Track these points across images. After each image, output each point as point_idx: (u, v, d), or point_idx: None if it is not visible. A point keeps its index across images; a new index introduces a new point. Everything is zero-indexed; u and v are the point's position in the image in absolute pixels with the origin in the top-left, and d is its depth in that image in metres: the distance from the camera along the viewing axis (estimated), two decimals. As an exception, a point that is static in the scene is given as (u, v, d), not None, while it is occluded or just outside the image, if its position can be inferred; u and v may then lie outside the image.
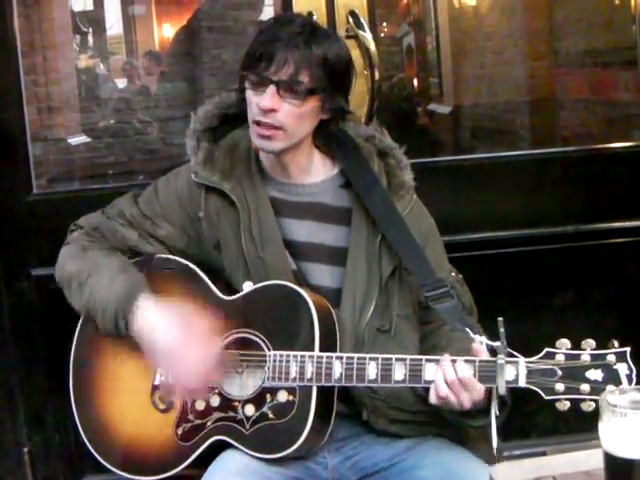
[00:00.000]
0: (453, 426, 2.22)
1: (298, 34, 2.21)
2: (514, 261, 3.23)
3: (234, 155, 2.37)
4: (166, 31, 5.55)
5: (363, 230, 2.29)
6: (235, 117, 2.39)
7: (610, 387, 1.91)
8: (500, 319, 1.98)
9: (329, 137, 2.36)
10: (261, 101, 2.17)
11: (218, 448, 2.23)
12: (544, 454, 2.90)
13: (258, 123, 2.20)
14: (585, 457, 1.65)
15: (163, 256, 2.39)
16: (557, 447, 3.14)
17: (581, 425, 2.90)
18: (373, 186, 2.31)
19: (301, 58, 2.17)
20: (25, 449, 3.27)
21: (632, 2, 3.41)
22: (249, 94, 2.21)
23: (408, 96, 5.17)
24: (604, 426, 1.42)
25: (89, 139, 4.78)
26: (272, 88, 2.16)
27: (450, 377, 2.02)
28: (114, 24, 5.42)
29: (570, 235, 3.27)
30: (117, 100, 5.18)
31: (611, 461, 1.43)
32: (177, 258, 2.38)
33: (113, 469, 2.35)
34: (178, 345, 2.20)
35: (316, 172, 2.36)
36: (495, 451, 2.05)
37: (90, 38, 5.39)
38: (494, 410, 2.04)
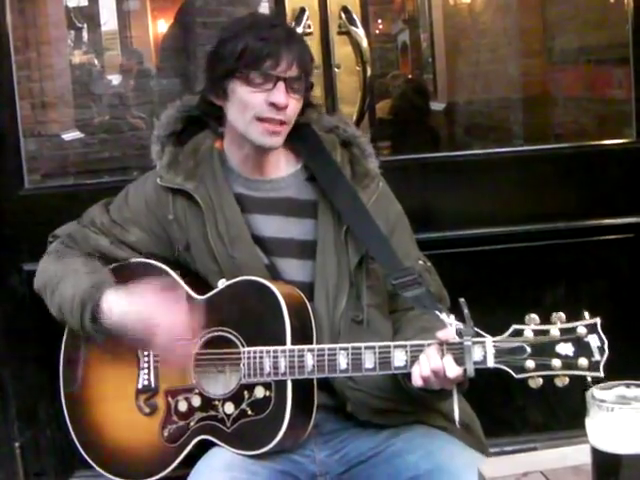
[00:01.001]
0: (435, 412, 2.25)
1: (292, 32, 2.30)
2: (505, 257, 3.23)
3: (197, 156, 2.39)
4: (161, 27, 5.53)
5: (329, 222, 2.30)
6: (199, 119, 2.42)
7: (582, 360, 1.90)
8: (462, 300, 1.97)
9: (291, 132, 2.36)
10: (272, 98, 2.19)
11: (206, 448, 2.24)
12: (535, 450, 2.90)
13: (267, 120, 2.22)
14: (573, 452, 1.65)
15: (137, 260, 2.41)
16: (548, 443, 3.15)
17: (572, 421, 2.91)
18: (336, 178, 2.33)
19: (302, 56, 2.24)
20: (16, 444, 3.27)
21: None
22: (247, 93, 2.21)
23: (403, 93, 5.18)
24: (591, 421, 1.42)
25: (82, 135, 4.78)
26: (282, 85, 2.20)
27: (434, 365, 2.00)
28: (108, 20, 5.39)
29: (561, 232, 3.27)
30: (111, 96, 5.17)
31: (598, 456, 1.43)
32: (151, 261, 2.40)
33: (107, 474, 2.38)
34: (151, 311, 2.20)
35: (282, 167, 2.38)
36: (457, 424, 2.04)
37: (84, 34, 5.37)
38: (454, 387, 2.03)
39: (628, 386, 1.46)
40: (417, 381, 2.03)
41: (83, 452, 2.41)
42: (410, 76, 5.58)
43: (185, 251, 2.36)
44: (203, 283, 2.33)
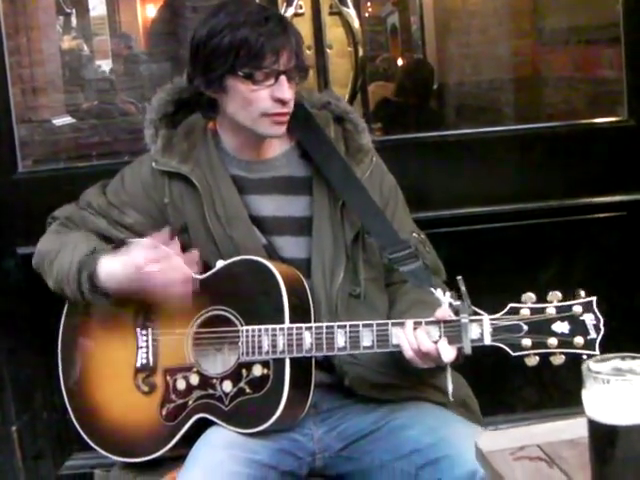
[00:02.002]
0: (433, 388, 2.27)
1: (285, 22, 2.27)
2: (497, 236, 3.24)
3: (191, 138, 2.39)
4: (150, 11, 5.52)
5: (325, 198, 2.32)
6: (190, 101, 2.42)
7: (578, 339, 1.94)
8: (459, 277, 1.98)
9: None
10: (277, 94, 2.20)
11: (204, 428, 2.25)
12: (530, 426, 2.92)
13: (274, 114, 2.23)
14: (569, 426, 1.65)
15: (135, 240, 2.40)
16: (542, 420, 3.16)
17: (567, 399, 2.93)
18: (330, 154, 2.34)
19: (298, 45, 2.25)
20: (13, 427, 3.28)
21: (615, -22, 3.41)
22: (249, 91, 2.21)
23: (398, 73, 5.18)
24: (587, 393, 1.43)
25: (73, 120, 4.77)
26: (284, 78, 2.20)
27: (415, 347, 2.04)
28: (97, 5, 5.38)
29: (554, 210, 3.28)
30: (101, 81, 5.15)
31: (595, 428, 1.44)
32: None
33: (106, 453, 2.39)
34: (143, 261, 2.22)
35: (275, 146, 2.38)
36: (450, 396, 2.07)
37: (73, 19, 5.36)
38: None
39: (623, 358, 1.47)
40: (407, 352, 2.05)
41: (82, 432, 2.42)
42: (400, 59, 5.57)
43: (182, 234, 2.36)
44: (202, 265, 2.34)
